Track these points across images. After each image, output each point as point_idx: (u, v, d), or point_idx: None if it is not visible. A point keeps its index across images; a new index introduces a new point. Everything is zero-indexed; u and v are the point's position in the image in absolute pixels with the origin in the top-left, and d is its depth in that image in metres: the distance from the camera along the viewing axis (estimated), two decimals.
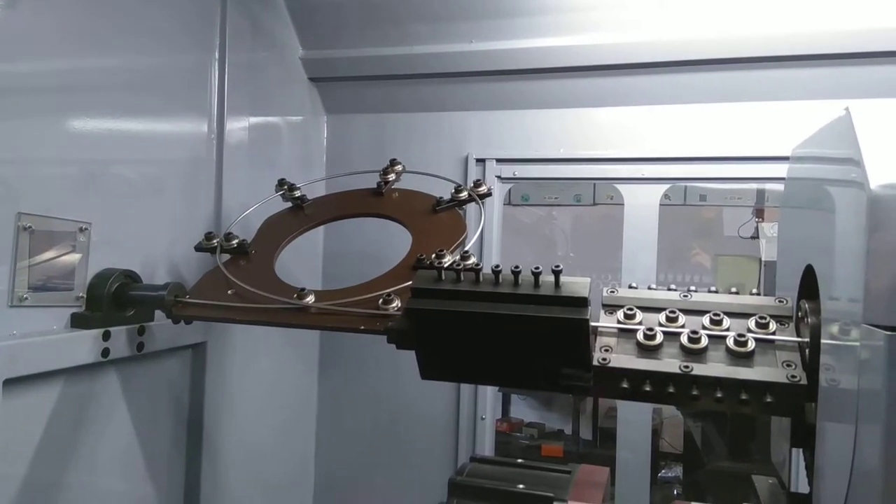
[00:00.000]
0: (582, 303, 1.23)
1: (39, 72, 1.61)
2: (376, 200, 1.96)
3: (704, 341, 1.24)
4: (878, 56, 2.10)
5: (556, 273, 1.25)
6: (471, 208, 2.60)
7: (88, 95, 1.74)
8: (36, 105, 1.60)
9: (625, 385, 1.23)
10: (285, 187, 2.02)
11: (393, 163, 1.99)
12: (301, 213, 2.01)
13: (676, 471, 4.72)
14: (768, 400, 1.17)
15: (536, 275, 1.27)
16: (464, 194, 1.81)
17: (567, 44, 2.37)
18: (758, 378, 1.18)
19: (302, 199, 2.03)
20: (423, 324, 1.32)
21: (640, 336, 1.26)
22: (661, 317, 1.32)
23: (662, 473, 4.69)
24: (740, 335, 1.22)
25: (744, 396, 1.18)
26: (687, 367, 1.21)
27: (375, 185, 1.98)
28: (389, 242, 2.75)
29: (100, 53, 1.77)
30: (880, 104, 1.11)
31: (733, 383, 1.18)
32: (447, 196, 1.83)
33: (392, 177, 1.96)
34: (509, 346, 1.29)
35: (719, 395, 1.18)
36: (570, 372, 1.26)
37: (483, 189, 1.81)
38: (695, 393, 1.20)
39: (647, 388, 1.22)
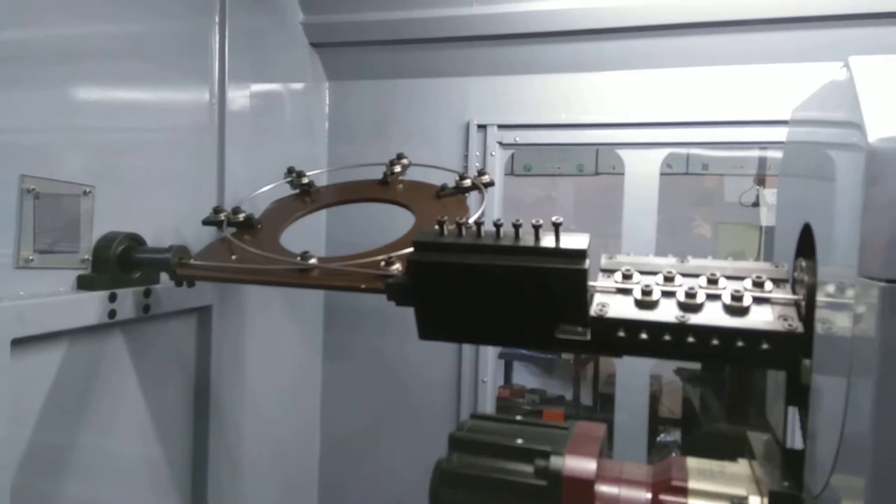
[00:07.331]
0: (580, 255, 1.25)
1: (40, 38, 1.60)
2: (382, 188, 2.05)
3: (701, 297, 1.25)
4: (886, 17, 2.08)
5: (556, 226, 1.26)
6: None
7: (89, 61, 1.73)
8: (37, 71, 1.60)
9: (621, 334, 1.24)
10: (294, 174, 2.08)
11: (399, 156, 2.07)
12: (308, 198, 2.09)
13: (675, 435, 4.81)
14: (765, 347, 1.17)
15: (536, 228, 1.28)
16: (467, 182, 1.91)
17: (570, 6, 2.34)
18: (754, 327, 1.19)
19: (310, 184, 2.10)
20: (423, 277, 1.34)
21: (637, 293, 1.28)
22: (659, 277, 1.34)
23: (661, 438, 4.77)
24: (736, 291, 1.24)
25: (740, 344, 1.18)
26: (683, 317, 1.23)
27: (382, 176, 2.06)
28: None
29: (100, 20, 1.76)
30: (881, 59, 1.11)
31: (729, 332, 1.19)
32: (451, 184, 1.95)
33: (398, 168, 2.05)
34: (508, 303, 1.30)
35: (715, 342, 1.19)
36: (568, 328, 1.27)
37: (486, 178, 1.93)
38: (691, 341, 1.21)
39: (644, 337, 1.23)
